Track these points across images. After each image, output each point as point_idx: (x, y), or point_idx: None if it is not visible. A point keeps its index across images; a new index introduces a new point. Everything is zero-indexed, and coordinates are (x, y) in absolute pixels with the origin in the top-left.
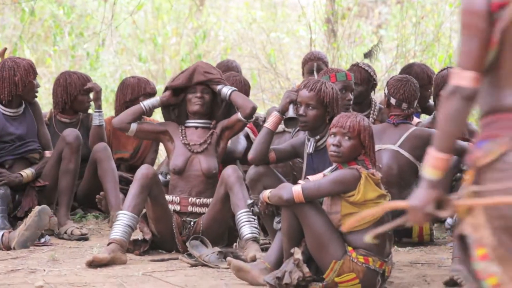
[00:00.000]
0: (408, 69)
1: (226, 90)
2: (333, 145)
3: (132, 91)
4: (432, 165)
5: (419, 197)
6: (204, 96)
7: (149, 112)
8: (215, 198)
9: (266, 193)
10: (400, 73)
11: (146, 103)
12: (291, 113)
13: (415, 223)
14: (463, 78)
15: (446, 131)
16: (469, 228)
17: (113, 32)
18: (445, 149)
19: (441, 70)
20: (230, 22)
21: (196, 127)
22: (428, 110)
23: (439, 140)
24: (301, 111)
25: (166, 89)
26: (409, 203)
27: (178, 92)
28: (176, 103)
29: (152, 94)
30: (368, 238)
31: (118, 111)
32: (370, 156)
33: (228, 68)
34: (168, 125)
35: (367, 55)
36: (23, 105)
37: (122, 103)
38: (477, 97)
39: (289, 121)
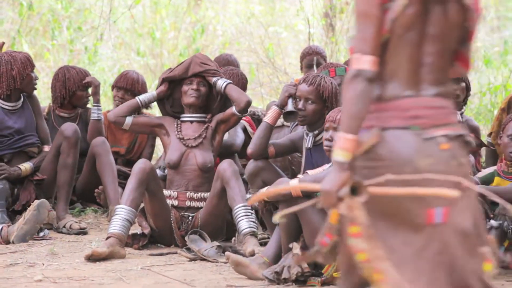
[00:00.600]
0: None
1: (221, 82)
2: (326, 139)
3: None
4: (341, 147)
5: (331, 180)
6: (200, 88)
7: (145, 106)
8: (212, 192)
9: (262, 191)
10: None
11: (142, 97)
12: (290, 107)
13: (328, 206)
14: (363, 62)
15: (352, 113)
16: (345, 208)
17: (111, 27)
18: (352, 130)
19: None
20: (228, 17)
21: (192, 122)
22: None
23: (346, 122)
24: (300, 105)
25: (163, 80)
26: (322, 186)
27: (174, 85)
28: (171, 95)
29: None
30: (276, 217)
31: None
32: None
33: (228, 62)
34: (164, 119)
35: None
36: (22, 99)
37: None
38: (376, 80)
39: (288, 115)
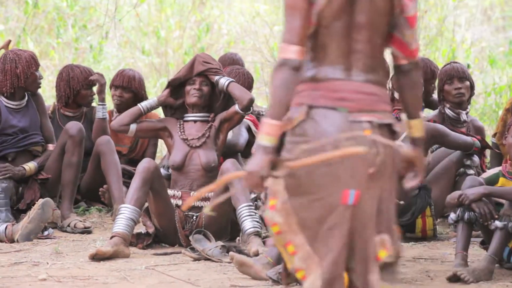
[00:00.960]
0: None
1: (223, 81)
2: None
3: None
4: (266, 132)
5: (255, 162)
6: (202, 88)
7: (147, 112)
8: (215, 192)
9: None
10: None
11: (144, 104)
12: None
13: (252, 187)
14: (290, 52)
15: (278, 100)
16: (270, 181)
17: (116, 25)
18: (277, 116)
19: (445, 65)
20: (233, 16)
21: (195, 121)
22: (431, 105)
23: (272, 108)
24: None
25: (168, 84)
26: (247, 168)
27: (178, 89)
28: (173, 103)
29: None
30: (206, 210)
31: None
32: None
33: (233, 61)
34: (167, 121)
35: None
36: (26, 98)
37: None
38: (302, 68)
39: None
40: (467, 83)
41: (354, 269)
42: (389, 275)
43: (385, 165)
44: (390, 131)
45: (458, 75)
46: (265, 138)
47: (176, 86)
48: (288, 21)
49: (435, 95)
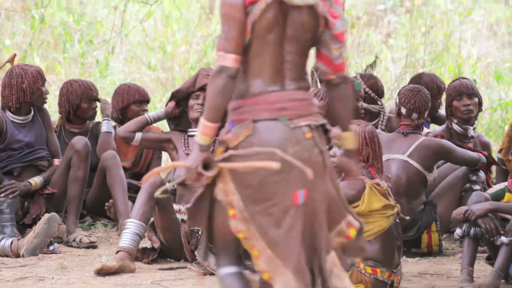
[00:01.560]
0: (417, 79)
1: None
2: (331, 156)
3: (123, 99)
4: (202, 132)
5: (192, 158)
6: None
7: (153, 122)
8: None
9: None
10: (410, 82)
11: (151, 114)
12: None
13: (191, 180)
14: (227, 60)
15: (214, 105)
16: (221, 193)
17: (122, 40)
18: (212, 119)
19: (454, 80)
20: None
21: None
22: (437, 120)
23: (208, 112)
24: None
25: (172, 96)
26: (185, 163)
27: (183, 101)
28: (179, 115)
29: (143, 101)
30: (157, 193)
31: (114, 118)
32: (376, 166)
33: None
34: (171, 134)
35: (371, 65)
36: (32, 113)
37: (115, 110)
38: (238, 76)
39: None
40: (476, 99)
41: (313, 260)
42: (355, 250)
43: (326, 159)
44: (324, 131)
45: (467, 91)
46: (201, 137)
47: (181, 98)
48: (225, 31)
49: (441, 110)
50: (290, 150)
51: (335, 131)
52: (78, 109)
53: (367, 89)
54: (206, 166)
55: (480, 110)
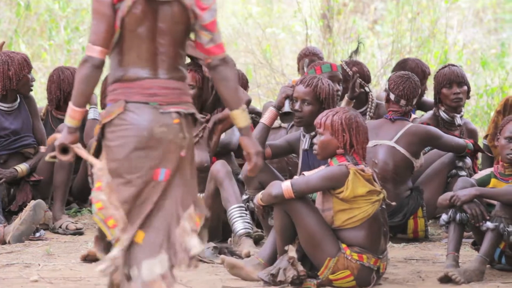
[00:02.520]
0: (402, 64)
1: None
2: (314, 143)
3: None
4: (70, 116)
5: (62, 137)
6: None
7: None
8: (206, 193)
9: (258, 196)
10: (395, 68)
11: None
12: (286, 108)
13: (58, 157)
14: (93, 51)
15: (80, 91)
16: (96, 168)
17: None
18: (79, 104)
19: (443, 67)
20: (225, 17)
21: None
22: (422, 106)
23: (75, 97)
24: (296, 106)
25: None
26: (56, 142)
27: None
28: None
29: None
30: (47, 158)
31: (101, 105)
32: (359, 152)
33: None
34: None
35: (355, 52)
36: (18, 100)
37: (101, 97)
38: (103, 66)
39: (285, 116)
40: (465, 87)
41: (157, 229)
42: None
43: (189, 146)
44: (193, 119)
45: (457, 79)
46: (69, 120)
47: None
48: (94, 25)
49: (426, 96)
50: (157, 131)
51: (317, 119)
52: (69, 97)
53: (352, 73)
54: (64, 150)
55: (467, 97)
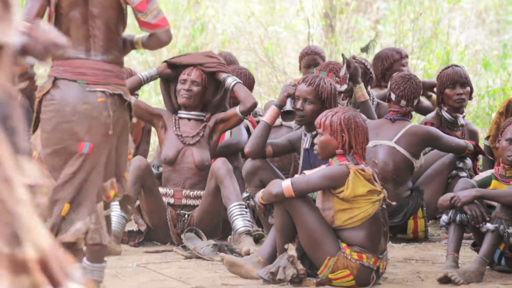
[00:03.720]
0: (378, 53)
1: (230, 80)
2: (314, 143)
3: None
4: None
5: None
6: (192, 88)
7: (146, 82)
8: (206, 191)
9: (259, 195)
10: (374, 59)
11: (144, 73)
12: (288, 106)
13: None
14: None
15: None
16: (32, 137)
17: None
18: None
19: (445, 68)
20: (228, 15)
21: (189, 119)
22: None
23: None
24: (298, 105)
25: (165, 62)
26: None
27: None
28: (171, 75)
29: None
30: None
31: None
32: (358, 152)
33: (227, 61)
34: (163, 111)
35: (364, 49)
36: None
37: None
38: None
39: (286, 115)
40: (468, 88)
41: (82, 201)
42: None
43: (117, 124)
44: (121, 100)
45: (461, 80)
46: None
47: (173, 67)
48: (28, 4)
49: (425, 101)
50: (81, 107)
51: (317, 120)
52: None
53: (342, 57)
54: None
55: (470, 98)
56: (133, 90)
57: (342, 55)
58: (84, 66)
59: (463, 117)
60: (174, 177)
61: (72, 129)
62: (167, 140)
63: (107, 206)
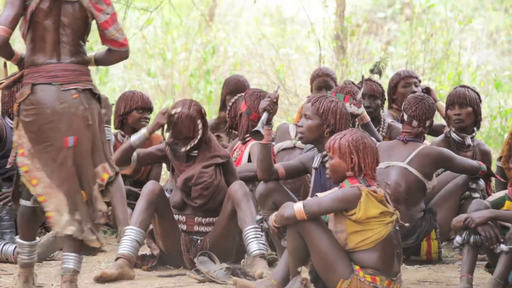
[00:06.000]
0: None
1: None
2: (326, 167)
3: (125, 105)
4: None
5: None
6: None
7: (139, 145)
8: (222, 214)
9: (272, 218)
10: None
11: (133, 139)
12: (258, 126)
13: None
14: (1, 30)
15: None
16: (16, 137)
17: None
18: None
19: (457, 87)
20: (239, 38)
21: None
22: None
23: None
24: (300, 122)
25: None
26: None
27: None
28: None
29: (145, 108)
30: (1, 86)
31: (115, 124)
32: (368, 173)
33: (238, 83)
34: (166, 152)
35: (376, 71)
36: None
37: (117, 116)
38: (6, 42)
39: (254, 134)
40: (469, 109)
41: (84, 188)
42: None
43: (92, 115)
44: (92, 94)
45: (459, 100)
46: None
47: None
48: (5, 12)
49: (436, 121)
50: (59, 107)
51: (327, 143)
52: None
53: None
54: None
55: (478, 119)
56: (128, 157)
57: (362, 76)
58: (56, 69)
59: (472, 137)
60: (186, 206)
61: (55, 127)
62: (172, 183)
63: (104, 192)
